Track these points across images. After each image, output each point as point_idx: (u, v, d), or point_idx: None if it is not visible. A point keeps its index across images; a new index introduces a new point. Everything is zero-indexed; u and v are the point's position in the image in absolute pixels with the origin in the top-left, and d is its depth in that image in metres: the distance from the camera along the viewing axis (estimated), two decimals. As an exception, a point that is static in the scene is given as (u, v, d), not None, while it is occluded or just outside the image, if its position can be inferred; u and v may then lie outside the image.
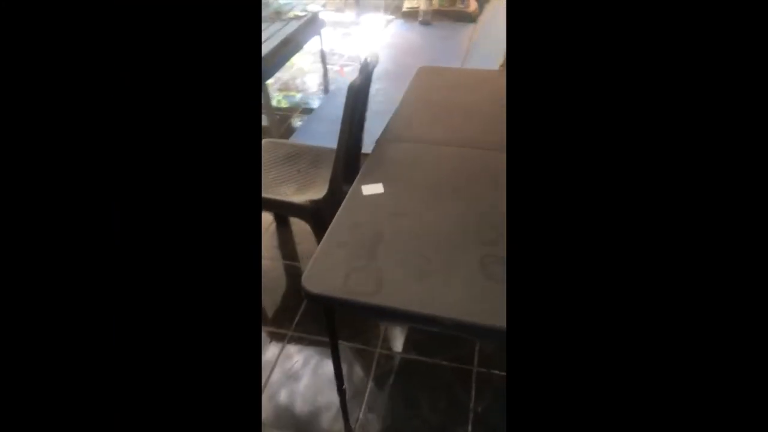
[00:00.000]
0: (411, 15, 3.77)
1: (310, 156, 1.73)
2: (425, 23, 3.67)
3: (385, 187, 1.22)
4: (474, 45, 3.20)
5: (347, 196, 1.19)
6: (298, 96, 2.82)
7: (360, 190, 1.21)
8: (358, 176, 1.27)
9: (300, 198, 1.52)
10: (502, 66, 1.94)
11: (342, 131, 1.34)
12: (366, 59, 1.37)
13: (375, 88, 2.60)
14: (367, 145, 1.51)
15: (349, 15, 4.04)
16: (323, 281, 0.95)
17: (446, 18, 3.71)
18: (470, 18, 3.66)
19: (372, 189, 1.21)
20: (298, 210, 1.53)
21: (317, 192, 1.53)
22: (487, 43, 2.96)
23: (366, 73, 1.38)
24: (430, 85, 1.71)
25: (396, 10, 3.90)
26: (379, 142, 1.42)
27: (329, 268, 0.97)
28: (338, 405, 1.26)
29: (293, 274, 1.69)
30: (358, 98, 1.36)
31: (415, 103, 1.61)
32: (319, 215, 1.48)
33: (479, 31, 3.43)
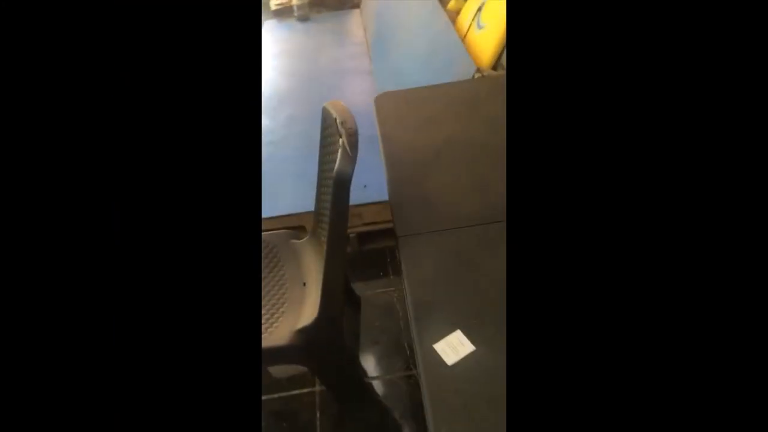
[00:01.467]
0: (284, 12, 3.17)
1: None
2: (303, 19, 3.11)
3: (469, 333, 0.73)
4: (376, 39, 2.73)
5: (423, 372, 0.69)
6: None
7: (433, 356, 0.71)
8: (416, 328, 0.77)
9: (278, 334, 1.00)
10: (478, 73, 1.50)
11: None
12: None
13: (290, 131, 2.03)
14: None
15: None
16: None
17: (324, 8, 3.19)
18: (352, 3, 3.18)
19: (453, 348, 0.72)
20: (282, 354, 1.01)
21: (299, 315, 1.02)
22: (392, 34, 2.50)
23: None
24: (412, 123, 1.24)
25: (263, 8, 3.25)
26: (403, 243, 0.92)
27: None
28: None
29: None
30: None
31: (411, 156, 1.12)
32: (316, 351, 0.98)
33: (369, 18, 2.96)
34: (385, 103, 1.36)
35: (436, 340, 0.71)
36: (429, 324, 0.75)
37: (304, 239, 1.28)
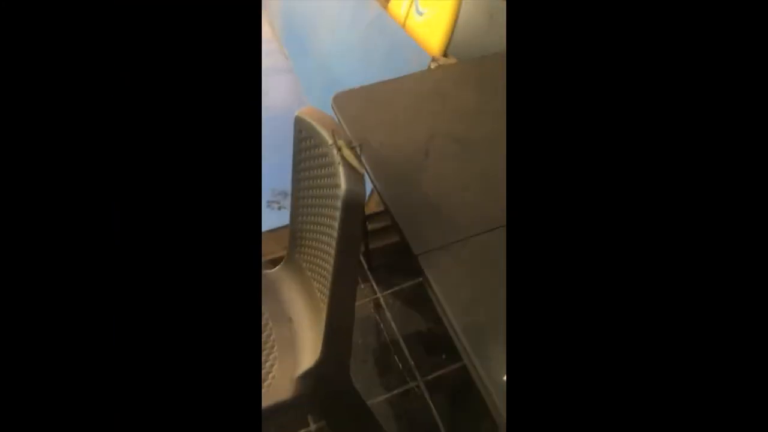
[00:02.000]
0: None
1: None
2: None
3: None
4: (289, 34, 2.54)
5: (505, 414, 0.59)
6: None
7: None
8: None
9: (279, 385, 0.86)
10: (433, 62, 1.41)
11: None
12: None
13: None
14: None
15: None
16: None
17: None
18: None
19: None
20: (288, 408, 0.88)
21: (296, 357, 0.91)
22: (308, 28, 2.33)
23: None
24: (384, 121, 1.12)
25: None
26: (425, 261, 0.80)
27: None
28: None
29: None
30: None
31: (397, 158, 1.00)
32: (323, 396, 0.86)
33: (273, 13, 2.75)
34: (345, 103, 1.22)
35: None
36: (492, 353, 0.65)
37: (278, 267, 1.12)
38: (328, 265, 0.84)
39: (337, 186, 0.74)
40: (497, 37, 1.40)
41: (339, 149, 0.74)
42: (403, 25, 1.70)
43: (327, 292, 0.83)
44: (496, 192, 0.89)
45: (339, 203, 0.73)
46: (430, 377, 1.38)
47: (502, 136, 0.83)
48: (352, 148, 0.74)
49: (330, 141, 0.76)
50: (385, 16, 1.74)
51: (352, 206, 0.71)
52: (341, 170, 0.73)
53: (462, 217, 0.86)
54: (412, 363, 1.42)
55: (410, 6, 1.69)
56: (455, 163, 1.01)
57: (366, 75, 1.67)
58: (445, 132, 1.10)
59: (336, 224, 0.76)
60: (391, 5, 1.82)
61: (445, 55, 1.53)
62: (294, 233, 1.05)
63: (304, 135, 0.90)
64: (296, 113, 0.88)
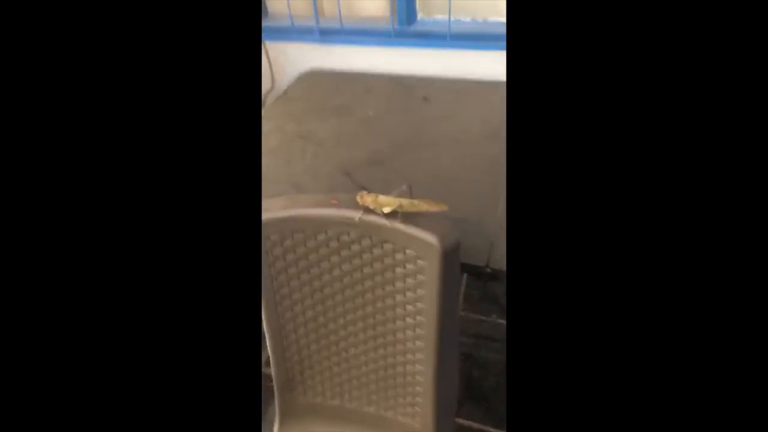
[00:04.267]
0: None
1: None
2: None
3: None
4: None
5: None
6: None
7: None
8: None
9: None
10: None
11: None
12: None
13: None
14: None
15: None
16: None
17: None
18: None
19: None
20: None
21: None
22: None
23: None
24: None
25: None
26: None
27: None
28: None
29: None
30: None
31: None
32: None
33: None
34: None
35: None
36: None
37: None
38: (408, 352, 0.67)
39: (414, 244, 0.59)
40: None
41: (383, 211, 0.59)
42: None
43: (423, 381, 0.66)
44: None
45: (425, 262, 0.58)
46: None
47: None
48: (398, 197, 0.59)
49: (356, 216, 0.60)
50: None
51: (449, 251, 0.58)
52: (409, 231, 0.59)
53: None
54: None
55: None
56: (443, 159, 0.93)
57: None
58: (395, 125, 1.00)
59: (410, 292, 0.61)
60: None
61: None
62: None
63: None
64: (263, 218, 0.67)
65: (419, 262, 0.61)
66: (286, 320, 0.75)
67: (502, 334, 1.23)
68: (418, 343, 0.70)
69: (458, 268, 0.62)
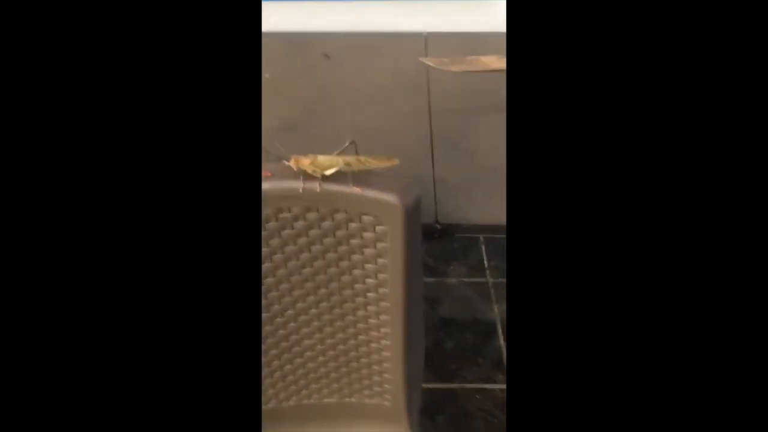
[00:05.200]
0: None
1: None
2: None
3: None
4: None
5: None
6: None
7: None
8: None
9: None
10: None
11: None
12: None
13: None
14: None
15: None
16: None
17: None
18: None
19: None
20: None
21: None
22: None
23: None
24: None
25: None
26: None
27: None
28: None
29: None
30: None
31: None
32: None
33: None
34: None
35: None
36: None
37: None
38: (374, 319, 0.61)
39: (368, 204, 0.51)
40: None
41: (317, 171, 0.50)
42: None
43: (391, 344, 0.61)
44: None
45: (386, 226, 0.51)
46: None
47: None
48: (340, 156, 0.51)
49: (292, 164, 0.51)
50: None
51: (411, 211, 0.51)
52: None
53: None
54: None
55: None
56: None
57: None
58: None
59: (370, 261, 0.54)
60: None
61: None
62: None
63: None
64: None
65: (378, 228, 0.54)
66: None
67: (440, 293, 1.22)
68: (382, 317, 0.63)
69: (420, 228, 0.56)
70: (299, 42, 1.20)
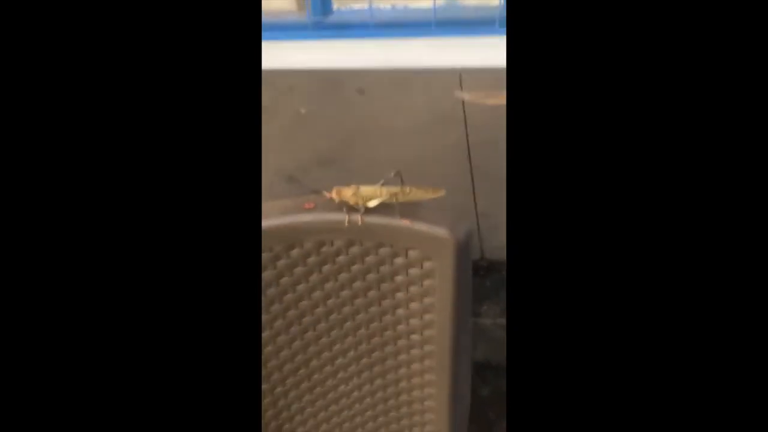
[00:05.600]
0: None
1: None
2: None
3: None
4: None
5: None
6: None
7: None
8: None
9: None
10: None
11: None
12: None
13: None
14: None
15: None
16: None
17: None
18: None
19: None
20: None
21: None
22: None
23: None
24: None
25: None
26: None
27: None
28: None
29: None
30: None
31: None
32: None
33: None
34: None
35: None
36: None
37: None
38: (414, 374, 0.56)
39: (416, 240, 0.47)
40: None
41: (357, 205, 0.47)
42: None
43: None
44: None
45: (435, 262, 0.47)
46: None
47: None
48: (384, 187, 0.48)
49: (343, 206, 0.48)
50: None
51: (463, 246, 0.47)
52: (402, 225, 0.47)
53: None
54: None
55: None
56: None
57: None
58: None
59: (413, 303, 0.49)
60: None
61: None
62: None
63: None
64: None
65: (426, 264, 0.50)
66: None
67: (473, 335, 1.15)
68: (426, 362, 0.58)
69: (470, 265, 0.51)
70: (334, 78, 1.21)
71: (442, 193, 0.51)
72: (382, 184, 0.49)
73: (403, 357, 0.59)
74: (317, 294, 0.54)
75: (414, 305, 0.53)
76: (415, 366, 0.59)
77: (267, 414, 0.66)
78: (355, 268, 0.51)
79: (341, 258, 0.51)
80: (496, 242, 0.70)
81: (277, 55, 1.35)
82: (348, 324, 0.56)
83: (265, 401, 0.64)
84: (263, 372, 0.61)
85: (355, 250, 0.50)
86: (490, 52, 1.29)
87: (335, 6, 1.41)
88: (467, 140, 0.99)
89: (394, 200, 0.49)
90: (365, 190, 0.49)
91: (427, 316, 0.53)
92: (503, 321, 1.19)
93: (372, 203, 0.49)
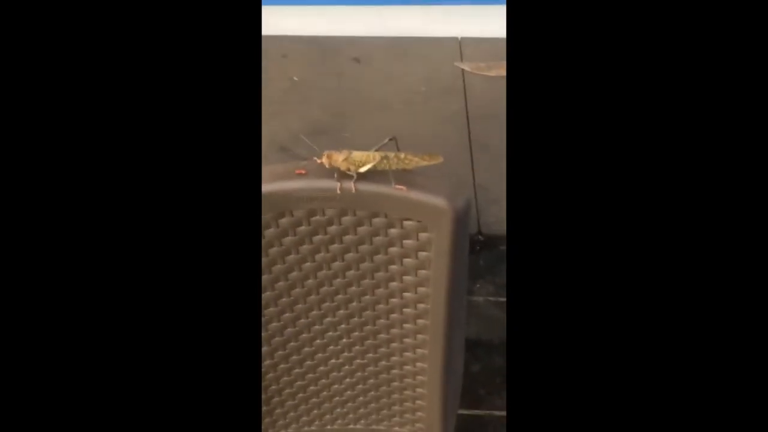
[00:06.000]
0: None
1: None
2: None
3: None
4: None
5: None
6: None
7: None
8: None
9: None
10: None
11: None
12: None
13: None
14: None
15: None
16: None
17: None
18: None
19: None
20: None
21: None
22: None
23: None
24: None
25: None
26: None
27: None
28: None
29: None
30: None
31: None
32: None
33: None
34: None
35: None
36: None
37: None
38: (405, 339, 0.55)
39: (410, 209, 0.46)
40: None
41: (350, 166, 0.45)
42: None
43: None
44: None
45: (431, 233, 0.46)
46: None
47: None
48: (378, 152, 0.46)
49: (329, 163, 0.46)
50: None
51: (462, 217, 0.45)
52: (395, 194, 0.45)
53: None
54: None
55: None
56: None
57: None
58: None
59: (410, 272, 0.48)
60: None
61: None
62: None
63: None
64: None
65: (422, 235, 0.48)
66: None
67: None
68: (420, 336, 0.57)
69: (467, 237, 0.49)
70: (330, 46, 1.17)
71: (439, 159, 0.49)
72: (376, 150, 0.47)
73: (396, 331, 0.58)
74: (308, 265, 0.52)
75: (408, 278, 0.52)
76: (408, 340, 0.57)
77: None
78: (347, 238, 0.49)
79: (333, 228, 0.49)
80: (493, 217, 0.68)
81: (269, 21, 1.31)
82: (340, 297, 0.55)
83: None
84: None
85: (347, 219, 0.48)
86: (493, 21, 1.25)
87: (331, -30, 1.36)
88: (467, 112, 0.97)
89: (388, 166, 0.47)
90: (357, 155, 0.46)
91: (422, 290, 0.52)
92: (496, 299, 1.19)
93: (363, 169, 0.46)
